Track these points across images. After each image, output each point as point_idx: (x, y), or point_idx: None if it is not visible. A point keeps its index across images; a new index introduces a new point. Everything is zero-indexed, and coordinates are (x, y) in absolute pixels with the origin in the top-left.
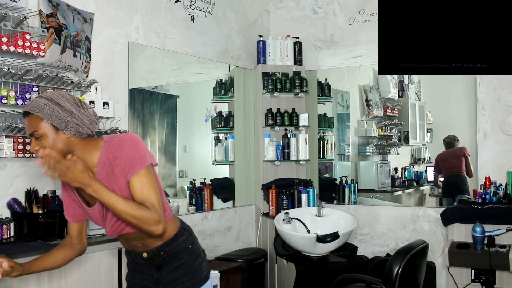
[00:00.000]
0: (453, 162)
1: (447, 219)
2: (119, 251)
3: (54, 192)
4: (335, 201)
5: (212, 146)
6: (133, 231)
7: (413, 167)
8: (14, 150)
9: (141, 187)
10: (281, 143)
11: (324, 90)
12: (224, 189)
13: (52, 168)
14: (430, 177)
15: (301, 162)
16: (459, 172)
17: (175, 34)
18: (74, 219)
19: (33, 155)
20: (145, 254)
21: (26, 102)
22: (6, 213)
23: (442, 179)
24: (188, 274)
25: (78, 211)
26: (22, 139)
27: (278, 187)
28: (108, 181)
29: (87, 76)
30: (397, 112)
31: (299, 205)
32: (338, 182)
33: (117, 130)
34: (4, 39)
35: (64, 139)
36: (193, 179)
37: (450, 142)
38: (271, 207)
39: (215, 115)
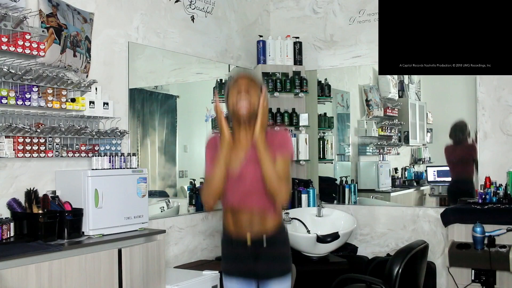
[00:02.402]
0: (460, 164)
1: (447, 219)
2: (119, 251)
3: (54, 192)
4: (335, 201)
5: None
6: (252, 205)
7: (413, 167)
8: (14, 150)
9: (283, 165)
10: None
11: (324, 90)
12: None
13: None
14: (430, 177)
15: (301, 162)
16: (469, 177)
17: (175, 34)
18: None
19: (33, 155)
20: (248, 241)
21: (241, 72)
22: (6, 213)
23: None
24: (280, 265)
25: None
26: (22, 139)
27: None
28: None
29: (87, 76)
30: (397, 112)
31: (299, 205)
32: (338, 182)
33: (117, 130)
34: (4, 39)
35: (264, 102)
36: (193, 179)
37: (456, 136)
38: None
39: (216, 115)
